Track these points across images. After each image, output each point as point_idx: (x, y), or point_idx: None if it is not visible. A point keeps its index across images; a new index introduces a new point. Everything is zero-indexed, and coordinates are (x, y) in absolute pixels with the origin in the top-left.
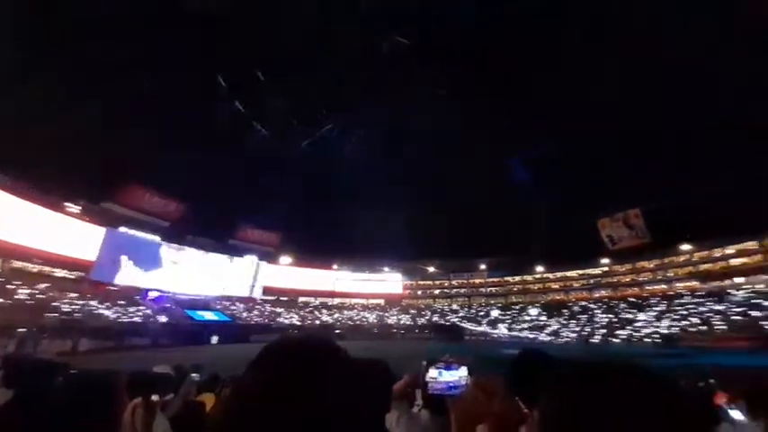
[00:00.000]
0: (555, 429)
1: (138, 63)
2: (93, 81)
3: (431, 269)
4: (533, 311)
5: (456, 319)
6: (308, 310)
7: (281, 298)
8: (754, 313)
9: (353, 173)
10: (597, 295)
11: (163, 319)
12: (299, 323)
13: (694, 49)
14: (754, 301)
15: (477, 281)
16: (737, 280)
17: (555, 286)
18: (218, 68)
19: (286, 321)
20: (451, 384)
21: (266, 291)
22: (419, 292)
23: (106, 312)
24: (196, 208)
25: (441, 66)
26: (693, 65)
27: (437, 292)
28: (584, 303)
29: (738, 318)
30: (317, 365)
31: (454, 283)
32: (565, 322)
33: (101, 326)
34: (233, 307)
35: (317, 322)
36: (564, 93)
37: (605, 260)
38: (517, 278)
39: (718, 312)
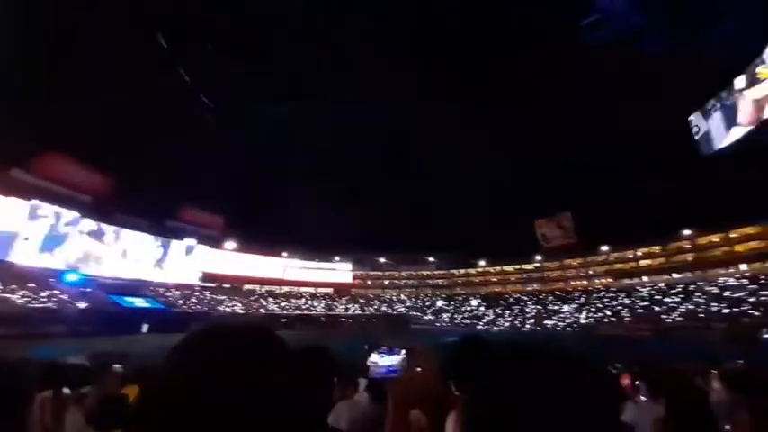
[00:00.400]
0: (481, 412)
1: (75, 19)
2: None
3: (381, 260)
4: (474, 302)
5: (403, 309)
6: (252, 298)
7: (224, 285)
8: (655, 307)
9: (306, 161)
10: (529, 288)
11: (82, 304)
12: (242, 312)
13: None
14: (656, 297)
15: (425, 273)
16: (644, 278)
17: (494, 279)
18: (163, 35)
19: (228, 310)
20: (391, 368)
21: (208, 277)
22: (369, 282)
23: (12, 296)
24: (131, 185)
25: (400, 63)
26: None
27: (386, 282)
28: (517, 296)
29: (642, 311)
30: (250, 352)
31: (403, 274)
32: (500, 312)
33: (6, 311)
34: (168, 294)
35: (263, 311)
36: (519, 96)
37: (538, 257)
38: (462, 271)
39: (626, 306)
